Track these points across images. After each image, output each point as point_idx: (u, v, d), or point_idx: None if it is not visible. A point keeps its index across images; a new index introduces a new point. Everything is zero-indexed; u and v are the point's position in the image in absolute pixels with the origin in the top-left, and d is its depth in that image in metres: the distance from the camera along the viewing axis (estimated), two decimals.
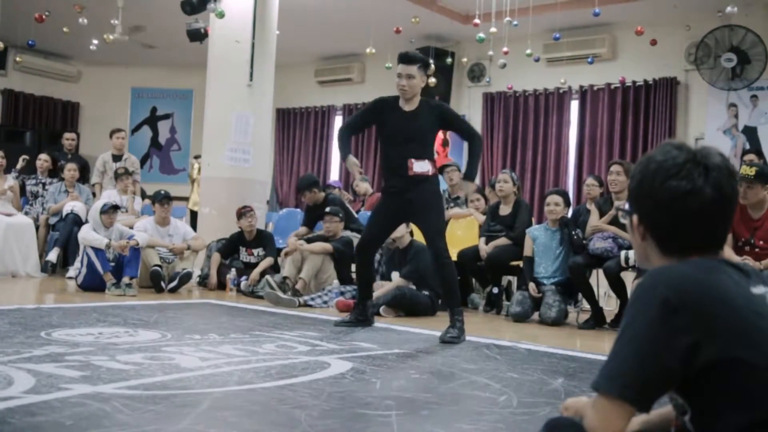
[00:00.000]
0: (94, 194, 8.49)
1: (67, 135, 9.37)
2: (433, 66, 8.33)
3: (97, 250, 6.21)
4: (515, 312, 5.79)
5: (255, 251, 7.23)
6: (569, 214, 6.15)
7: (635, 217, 1.42)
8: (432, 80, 8.73)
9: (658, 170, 1.35)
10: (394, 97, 4.65)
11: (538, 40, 9.04)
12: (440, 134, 10.69)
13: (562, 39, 8.32)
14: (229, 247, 7.32)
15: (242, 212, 7.21)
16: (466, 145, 10.63)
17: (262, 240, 7.28)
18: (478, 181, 9.75)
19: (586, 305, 5.96)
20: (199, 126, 10.22)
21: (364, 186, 9.15)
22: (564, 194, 6.17)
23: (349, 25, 9.66)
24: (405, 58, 4.52)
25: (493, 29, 7.38)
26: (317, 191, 7.19)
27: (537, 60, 8.79)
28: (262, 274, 6.77)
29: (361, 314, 4.81)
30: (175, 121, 12.91)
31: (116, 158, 8.45)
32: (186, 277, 6.69)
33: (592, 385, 1.31)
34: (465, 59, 10.11)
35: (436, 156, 4.74)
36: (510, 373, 3.34)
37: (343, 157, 4.69)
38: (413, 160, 4.47)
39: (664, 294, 1.26)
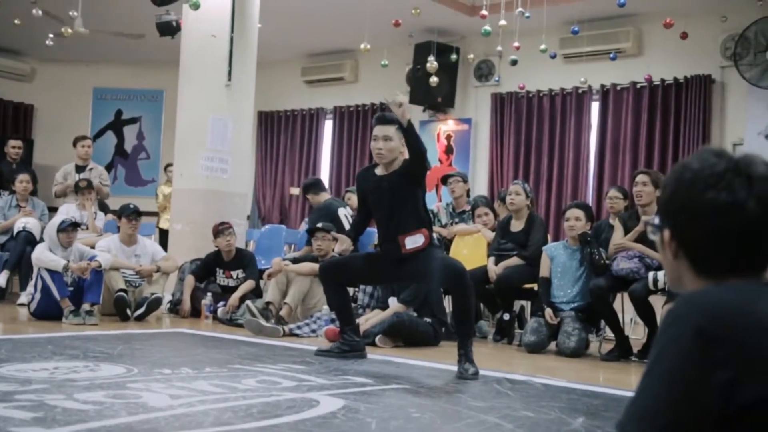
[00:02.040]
0: (50, 209, 8.48)
1: (12, 143, 9.31)
2: (435, 63, 8.36)
3: (54, 273, 6.19)
4: (529, 342, 5.78)
5: (234, 273, 7.22)
6: (589, 231, 6.16)
7: (667, 233, 1.41)
8: (434, 79, 8.77)
9: (695, 180, 1.35)
10: (371, 165, 4.81)
11: (553, 34, 9.08)
12: (443, 140, 10.74)
13: (582, 32, 8.35)
14: (205, 269, 7.32)
15: (219, 229, 7.20)
16: (472, 153, 10.67)
17: (242, 261, 7.28)
18: (485, 191, 9.76)
19: (609, 334, 5.95)
20: (170, 131, 10.21)
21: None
22: (586, 208, 6.18)
23: (340, 18, 9.70)
24: (382, 119, 4.60)
25: (502, 22, 7.40)
26: (323, 193, 7.69)
27: (553, 56, 8.82)
28: (242, 299, 6.76)
29: (345, 343, 4.84)
30: (143, 126, 12.92)
31: (80, 169, 8.42)
32: (155, 303, 6.67)
33: (616, 426, 1.30)
34: (471, 56, 10.15)
35: (429, 194, 4.87)
36: (524, 411, 3.33)
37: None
38: (404, 237, 4.55)
39: (699, 322, 1.25)
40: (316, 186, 7.87)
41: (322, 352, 4.86)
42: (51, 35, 9.44)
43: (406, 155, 4.59)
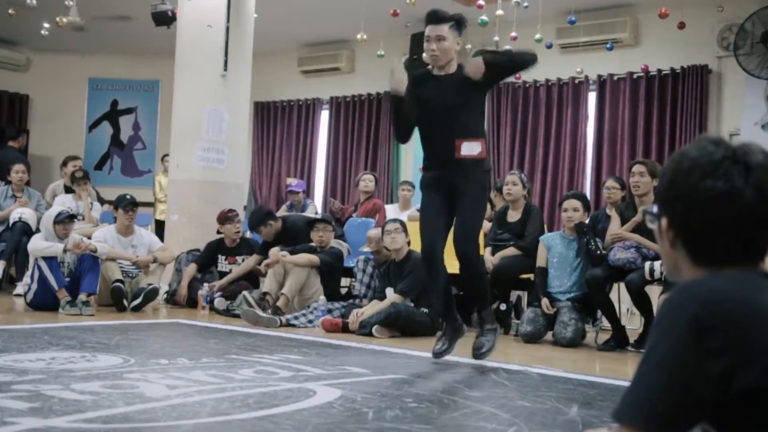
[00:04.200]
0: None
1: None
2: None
3: (51, 263, 6.19)
4: (526, 332, 5.80)
5: (239, 259, 7.24)
6: (586, 221, 6.17)
7: (664, 221, 1.41)
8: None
9: (692, 168, 1.35)
10: (426, 69, 4.47)
11: (550, 24, 9.06)
12: None
13: (578, 22, 8.34)
14: (207, 256, 7.33)
15: (228, 216, 7.26)
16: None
17: (246, 247, 7.28)
18: None
19: (606, 324, 5.96)
20: (166, 122, 10.21)
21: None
22: (583, 198, 6.19)
23: (336, 8, 9.68)
24: (433, 17, 4.30)
25: (499, 11, 7.40)
26: (273, 223, 7.15)
27: (549, 46, 8.80)
28: (239, 290, 6.76)
29: (453, 337, 4.49)
30: (138, 117, 12.88)
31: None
32: (152, 294, 6.67)
33: (613, 414, 1.31)
34: (468, 46, 10.09)
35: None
36: (520, 401, 3.34)
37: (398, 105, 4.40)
38: (461, 140, 4.24)
39: (695, 311, 1.25)
40: (272, 215, 7.38)
41: (441, 351, 4.46)
42: (46, 25, 9.40)
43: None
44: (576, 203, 6.04)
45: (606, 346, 5.63)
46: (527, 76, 9.94)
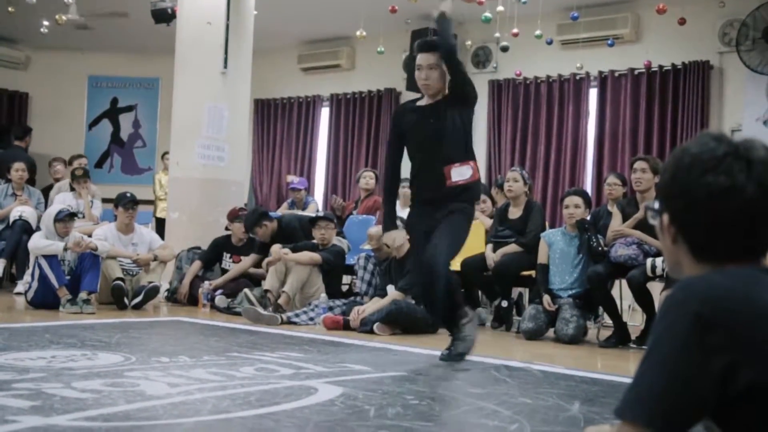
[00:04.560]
0: (46, 198, 8.46)
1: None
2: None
3: (52, 261, 6.19)
4: (527, 328, 5.80)
5: (243, 258, 7.24)
6: (588, 217, 6.16)
7: (666, 217, 1.41)
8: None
9: (694, 163, 1.34)
10: (412, 99, 4.53)
11: (550, 20, 9.06)
12: None
13: (579, 18, 8.34)
14: (213, 254, 7.34)
15: (239, 214, 7.28)
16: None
17: (253, 245, 7.27)
18: (483, 179, 9.74)
19: (607, 320, 5.97)
20: (166, 119, 10.20)
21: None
22: (584, 194, 6.20)
23: (336, 5, 9.67)
24: (423, 46, 4.34)
25: (500, 8, 7.40)
26: (268, 223, 7.13)
27: (549, 42, 8.80)
28: (240, 288, 6.76)
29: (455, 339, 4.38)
30: (138, 114, 12.89)
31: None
32: (152, 292, 6.67)
33: (615, 411, 1.31)
34: (469, 42, 10.12)
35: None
36: (522, 398, 3.34)
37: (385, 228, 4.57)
38: (450, 168, 4.23)
39: (697, 309, 1.25)
40: (266, 215, 7.33)
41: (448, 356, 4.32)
42: (45, 23, 9.40)
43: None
44: (577, 200, 6.04)
45: (607, 342, 5.63)
46: (528, 72, 9.94)
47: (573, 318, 5.66)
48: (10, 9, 8.98)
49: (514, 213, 6.56)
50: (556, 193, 9.44)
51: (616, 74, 9.53)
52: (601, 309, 5.96)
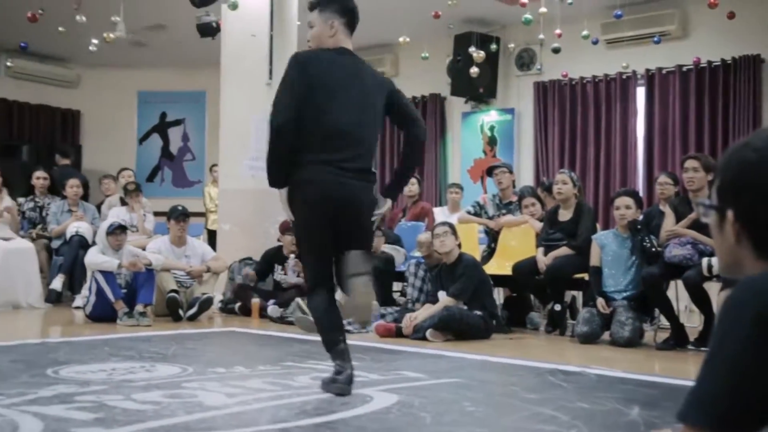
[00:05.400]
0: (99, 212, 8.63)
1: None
2: (482, 53, 8.35)
3: (107, 276, 6.31)
4: (582, 332, 5.74)
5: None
6: (639, 218, 6.09)
7: (730, 215, 1.39)
8: (474, 70, 8.72)
9: (762, 159, 1.33)
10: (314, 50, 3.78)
11: (595, 20, 8.98)
12: (487, 130, 10.68)
13: (624, 16, 8.25)
14: (265, 265, 7.41)
15: (289, 226, 7.31)
16: (516, 143, 10.50)
17: None
18: (530, 182, 9.68)
19: (664, 322, 5.88)
20: (214, 132, 10.33)
21: None
22: (635, 195, 6.12)
23: (379, 12, 9.69)
24: (308, 7, 3.80)
25: (543, 9, 7.35)
26: None
27: (595, 42, 8.73)
28: (292, 297, 6.81)
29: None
30: (187, 128, 13.08)
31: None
32: (206, 303, 6.76)
33: (677, 415, 1.29)
34: (512, 45, 10.09)
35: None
36: (579, 402, 3.31)
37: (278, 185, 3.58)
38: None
39: (758, 309, 1.24)
40: None
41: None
42: (94, 41, 9.59)
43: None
44: (628, 200, 5.97)
45: (665, 345, 5.54)
46: (573, 72, 9.86)
47: (629, 321, 5.59)
48: (60, 29, 9.18)
49: (565, 215, 6.51)
50: (607, 194, 9.34)
51: (664, 72, 9.41)
52: (657, 311, 5.88)
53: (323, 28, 3.71)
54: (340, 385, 3.31)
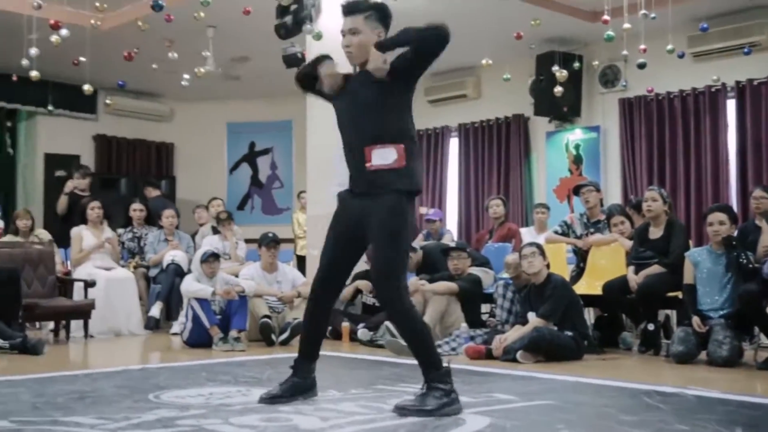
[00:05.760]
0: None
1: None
2: (565, 72, 8.28)
3: (203, 302, 6.47)
4: (678, 352, 5.57)
5: None
6: (734, 234, 5.90)
7: None
8: (558, 89, 8.63)
9: None
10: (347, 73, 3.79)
11: (680, 33, 8.76)
12: (572, 149, 10.54)
13: (711, 28, 8.05)
14: (353, 288, 7.48)
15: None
16: (602, 161, 10.37)
17: None
18: (618, 200, 9.48)
19: (764, 341, 5.67)
20: (301, 160, 10.49)
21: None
22: (729, 210, 5.93)
23: (460, 36, 9.56)
24: (345, 8, 3.63)
25: (626, 25, 7.23)
26: (413, 254, 7.15)
27: (681, 56, 8.53)
28: (382, 321, 6.84)
29: (298, 380, 3.77)
30: (275, 156, 13.33)
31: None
32: (298, 328, 6.82)
33: None
34: (596, 62, 9.95)
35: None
36: (678, 425, 3.21)
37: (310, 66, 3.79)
38: (370, 148, 3.53)
39: None
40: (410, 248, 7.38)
41: (269, 397, 3.67)
42: (186, 76, 9.90)
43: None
44: (721, 216, 5.79)
45: (766, 364, 5.33)
46: (659, 88, 9.66)
47: (726, 339, 5.40)
48: (153, 66, 9.52)
49: (655, 233, 6.35)
50: (699, 211, 9.05)
51: (755, 83, 9.11)
52: (756, 329, 5.67)
53: (371, 37, 3.60)
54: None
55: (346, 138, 3.71)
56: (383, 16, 3.64)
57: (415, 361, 3.55)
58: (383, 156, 3.52)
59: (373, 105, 3.57)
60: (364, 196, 3.61)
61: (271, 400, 3.64)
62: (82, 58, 8.42)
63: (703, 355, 5.60)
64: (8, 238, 8.03)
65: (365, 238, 3.68)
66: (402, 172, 3.54)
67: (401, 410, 3.35)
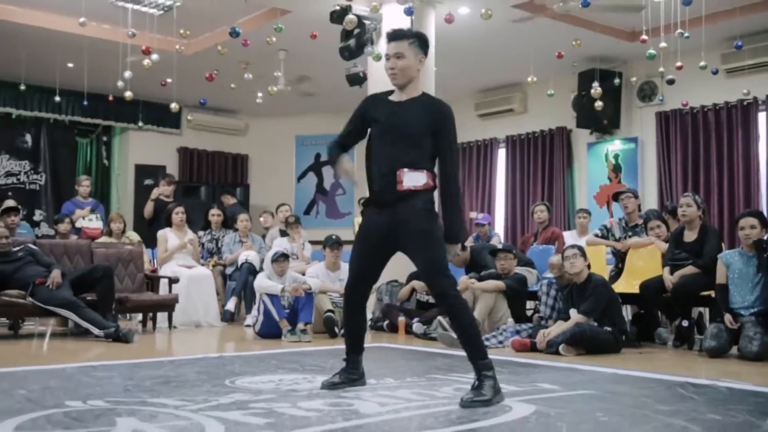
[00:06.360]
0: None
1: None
2: (600, 89, 8.16)
3: (273, 297, 6.55)
4: (710, 346, 5.44)
5: None
6: (765, 237, 5.73)
7: None
8: (599, 103, 8.52)
9: None
10: (388, 91, 3.82)
11: (714, 50, 8.58)
12: (611, 159, 10.38)
13: (743, 46, 7.85)
14: (410, 288, 7.49)
15: None
16: (640, 170, 10.16)
17: None
18: (654, 206, 9.30)
19: None
20: (361, 168, 10.53)
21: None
22: (759, 215, 5.78)
23: (507, 56, 9.66)
24: (391, 35, 3.71)
25: (663, 44, 7.11)
26: (461, 252, 7.03)
27: (715, 72, 8.34)
28: (434, 315, 6.83)
29: (351, 371, 3.85)
30: None
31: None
32: None
33: None
34: (634, 78, 9.80)
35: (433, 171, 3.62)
36: (711, 414, 3.13)
37: (332, 161, 3.92)
38: (404, 170, 3.52)
39: None
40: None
41: (330, 384, 3.75)
42: (260, 94, 10.05)
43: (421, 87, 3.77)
44: (753, 220, 5.64)
45: None
46: (694, 101, 9.45)
47: (757, 335, 5.25)
48: (232, 86, 9.69)
49: (690, 236, 6.22)
50: (731, 218, 8.83)
51: None
52: None
53: (414, 62, 3.68)
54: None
55: (379, 156, 3.67)
56: (423, 43, 3.73)
57: (464, 353, 3.51)
58: (414, 179, 3.53)
59: (414, 135, 3.59)
60: (391, 205, 3.57)
61: (331, 386, 3.71)
62: (168, 80, 8.62)
63: (734, 350, 5.46)
64: (104, 239, 8.25)
65: (393, 248, 3.70)
66: (428, 195, 3.60)
67: (464, 404, 3.26)
